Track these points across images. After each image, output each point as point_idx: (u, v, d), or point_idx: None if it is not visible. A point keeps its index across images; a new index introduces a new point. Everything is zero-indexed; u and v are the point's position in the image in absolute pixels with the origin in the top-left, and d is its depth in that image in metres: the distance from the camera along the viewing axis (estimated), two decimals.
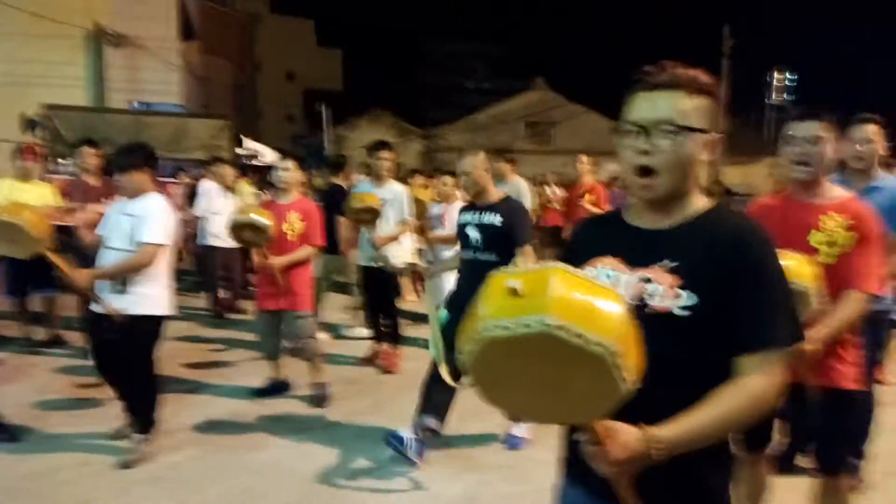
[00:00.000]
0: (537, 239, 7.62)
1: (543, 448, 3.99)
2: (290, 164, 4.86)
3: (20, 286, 5.67)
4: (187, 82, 21.94)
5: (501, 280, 1.10)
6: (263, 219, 4.41)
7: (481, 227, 3.69)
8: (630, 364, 1.08)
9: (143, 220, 3.61)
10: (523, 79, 29.64)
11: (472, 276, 3.42)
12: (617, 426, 1.21)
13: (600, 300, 1.09)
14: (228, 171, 7.75)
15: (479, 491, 3.45)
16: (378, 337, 5.66)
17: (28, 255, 3.65)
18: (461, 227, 3.80)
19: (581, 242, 1.57)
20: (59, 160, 9.57)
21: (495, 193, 3.83)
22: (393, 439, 3.53)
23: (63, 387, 4.85)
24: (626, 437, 1.21)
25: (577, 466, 1.39)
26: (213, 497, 3.32)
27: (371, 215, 5.13)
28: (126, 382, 3.76)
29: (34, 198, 5.21)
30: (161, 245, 3.63)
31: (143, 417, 3.73)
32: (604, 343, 1.04)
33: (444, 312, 3.65)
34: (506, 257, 3.50)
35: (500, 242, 3.63)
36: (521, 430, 3.95)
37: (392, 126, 26.29)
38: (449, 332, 3.00)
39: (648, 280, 1.36)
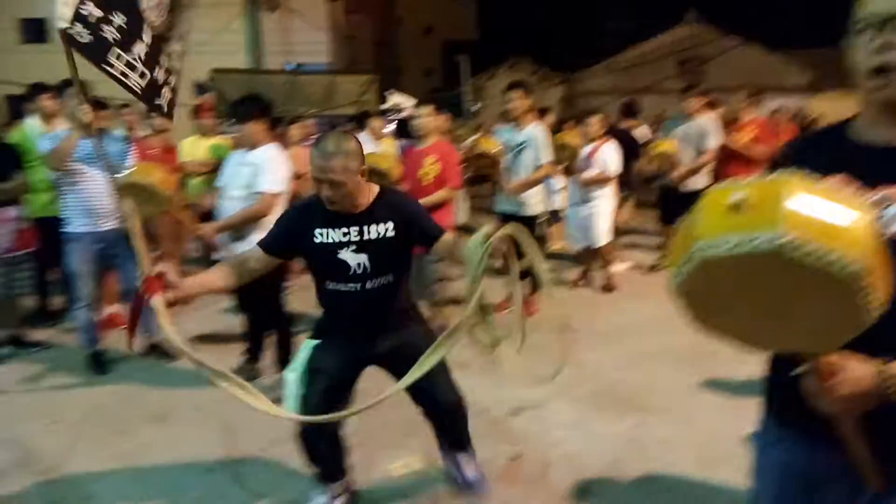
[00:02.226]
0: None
1: (708, 391, 3.85)
2: (426, 110, 4.84)
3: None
4: (334, 42, 22.76)
5: (722, 195, 1.00)
6: (383, 164, 4.65)
7: (365, 246, 2.41)
8: (877, 287, 0.95)
9: (261, 169, 3.72)
10: (670, 15, 27.58)
11: (355, 310, 2.48)
12: (848, 358, 1.08)
13: (844, 212, 0.95)
14: (378, 124, 8.00)
15: (638, 433, 3.40)
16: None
17: (160, 212, 3.95)
18: (330, 254, 2.40)
19: (795, 165, 1.40)
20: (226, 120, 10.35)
21: (368, 192, 2.46)
22: None
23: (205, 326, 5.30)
24: (859, 371, 1.08)
25: (790, 406, 1.26)
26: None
27: (488, 161, 5.03)
28: (263, 322, 4.02)
29: (209, 151, 5.79)
30: (277, 193, 3.77)
31: (283, 355, 3.93)
32: (848, 262, 0.91)
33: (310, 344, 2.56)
34: (404, 272, 2.53)
35: (395, 257, 2.48)
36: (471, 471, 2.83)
37: (531, 73, 25.64)
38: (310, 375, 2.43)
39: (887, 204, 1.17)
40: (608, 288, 6.07)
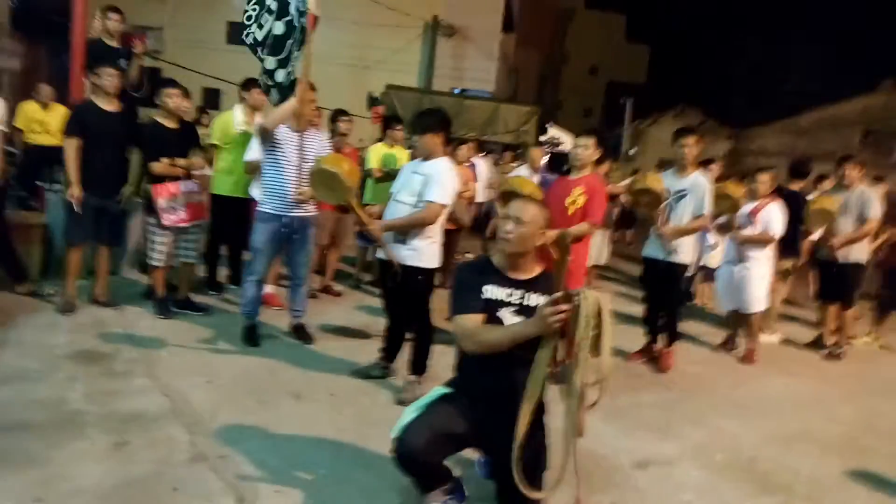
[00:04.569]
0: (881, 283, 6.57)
1: (860, 486, 3.49)
2: (589, 141, 4.74)
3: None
4: (501, 72, 23.34)
5: None
6: (525, 188, 4.73)
7: (524, 311, 2.47)
8: None
9: (432, 179, 3.87)
10: (859, 82, 25.51)
11: (494, 375, 2.45)
12: None
13: None
14: (536, 154, 8.10)
15: None
16: (654, 334, 5.38)
17: (340, 202, 4.17)
18: (491, 311, 2.48)
19: None
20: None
21: (535, 263, 2.60)
22: None
23: (349, 319, 5.60)
24: None
25: None
26: None
27: (650, 198, 4.87)
28: (404, 326, 4.13)
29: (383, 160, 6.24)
30: (444, 205, 3.90)
31: (418, 360, 4.03)
32: None
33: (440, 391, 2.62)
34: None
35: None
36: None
37: (699, 124, 24.71)
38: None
39: None
40: (747, 359, 5.66)
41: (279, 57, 4.53)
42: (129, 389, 3.74)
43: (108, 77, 4.85)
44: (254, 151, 5.04)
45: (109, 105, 4.91)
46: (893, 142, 24.02)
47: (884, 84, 23.82)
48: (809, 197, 6.53)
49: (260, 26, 4.57)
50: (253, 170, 5.18)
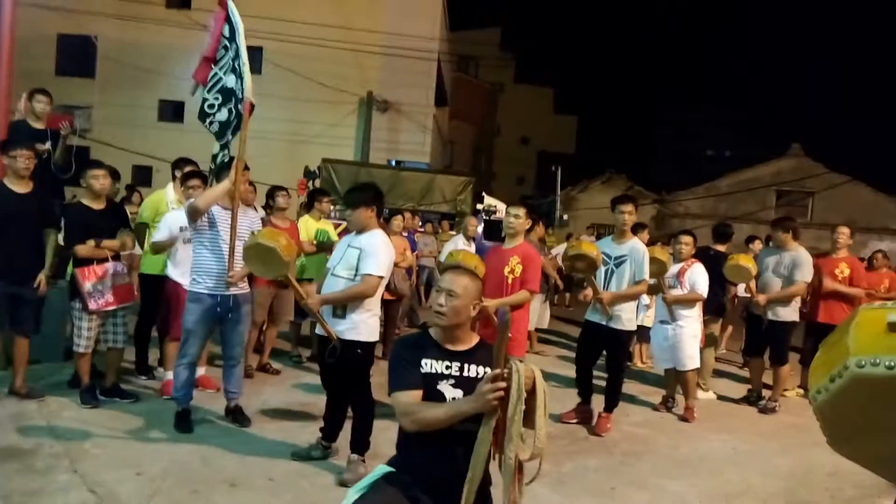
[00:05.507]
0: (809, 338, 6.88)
1: None
2: (520, 210, 4.95)
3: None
4: (435, 144, 23.99)
5: (878, 314, 0.99)
6: (470, 262, 4.51)
7: (462, 383, 2.42)
8: None
9: (368, 253, 3.92)
10: (773, 145, 27.47)
11: (436, 450, 2.37)
12: None
13: None
14: (472, 223, 8.28)
15: None
16: (586, 396, 5.44)
17: (275, 278, 4.14)
18: (430, 385, 2.42)
19: None
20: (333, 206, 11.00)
21: (472, 335, 2.59)
22: None
23: (288, 398, 5.46)
24: None
25: None
26: None
27: (585, 264, 5.01)
28: (345, 403, 4.06)
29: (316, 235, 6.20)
30: (381, 277, 3.93)
31: (359, 438, 3.93)
32: None
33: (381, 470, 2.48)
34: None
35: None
36: None
37: (625, 189, 25.86)
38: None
39: None
40: (686, 419, 5.76)
41: (221, 143, 4.62)
42: (52, 487, 3.49)
43: (21, 158, 4.74)
44: (161, 233, 5.02)
45: (21, 187, 4.77)
46: (805, 201, 25.74)
47: (793, 147, 25.71)
48: None
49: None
50: (160, 250, 5.13)
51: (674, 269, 5.93)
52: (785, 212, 23.95)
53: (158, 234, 5.07)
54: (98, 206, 4.89)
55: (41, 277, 4.85)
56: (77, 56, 21.82)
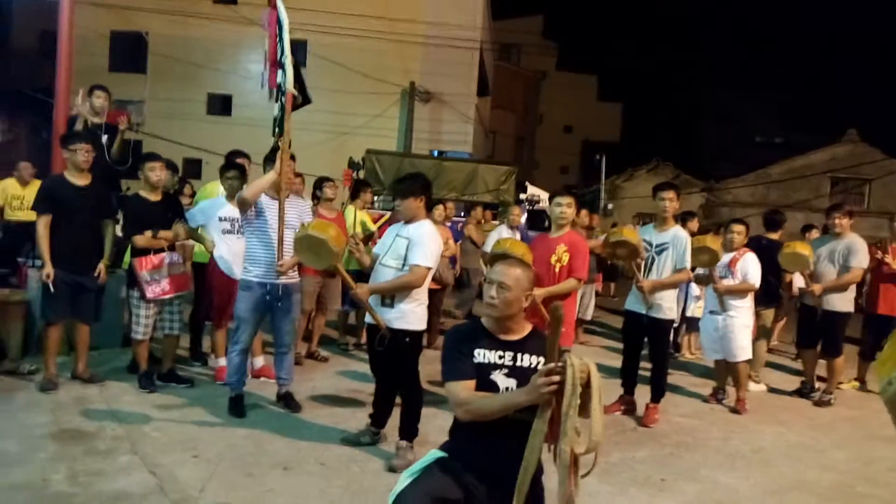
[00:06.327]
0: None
1: None
2: (568, 199, 4.88)
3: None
4: (478, 134, 23.90)
5: None
6: (517, 250, 4.54)
7: (515, 372, 2.44)
8: None
9: (416, 243, 3.93)
10: (826, 131, 26.48)
11: (490, 440, 2.38)
12: None
13: None
14: (516, 212, 8.24)
15: None
16: (630, 387, 5.37)
17: (325, 268, 4.19)
18: (483, 375, 2.43)
19: None
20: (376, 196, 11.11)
21: (524, 324, 2.57)
22: None
23: (336, 385, 5.55)
24: None
25: None
26: None
27: (626, 250, 4.94)
28: (393, 390, 4.10)
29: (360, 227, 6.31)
30: (429, 267, 3.94)
31: (408, 425, 3.97)
32: None
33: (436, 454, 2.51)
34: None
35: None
36: None
37: (672, 177, 25.35)
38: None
39: None
40: (738, 410, 5.64)
41: (275, 136, 4.71)
42: (115, 468, 3.64)
43: (81, 152, 4.90)
44: (196, 219, 5.25)
45: (80, 179, 4.94)
46: (862, 189, 24.79)
47: (849, 133, 24.76)
48: None
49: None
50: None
51: (725, 258, 5.79)
52: (840, 199, 23.14)
53: (192, 222, 5.24)
54: (154, 197, 5.05)
55: (101, 267, 5.03)
56: (129, 52, 22.45)
